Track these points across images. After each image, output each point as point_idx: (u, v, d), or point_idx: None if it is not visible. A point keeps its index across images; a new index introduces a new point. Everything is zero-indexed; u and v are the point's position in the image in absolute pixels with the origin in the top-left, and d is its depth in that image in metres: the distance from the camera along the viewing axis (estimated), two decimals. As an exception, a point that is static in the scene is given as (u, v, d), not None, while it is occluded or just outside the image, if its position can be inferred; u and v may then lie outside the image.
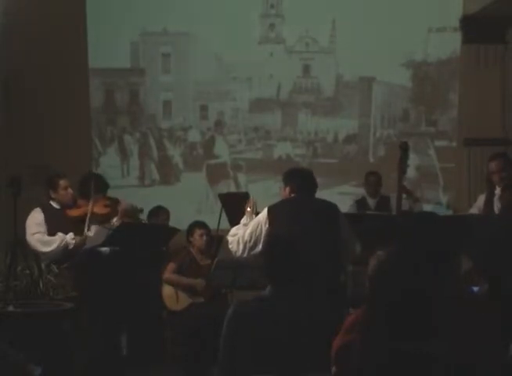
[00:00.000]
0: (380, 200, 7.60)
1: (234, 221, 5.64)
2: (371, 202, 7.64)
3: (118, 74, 9.11)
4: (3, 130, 8.23)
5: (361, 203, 7.65)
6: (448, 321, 3.10)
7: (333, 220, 5.21)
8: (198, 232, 6.81)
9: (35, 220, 6.18)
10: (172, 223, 7.11)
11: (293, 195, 5.28)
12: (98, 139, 9.11)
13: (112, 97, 9.14)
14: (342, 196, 8.38)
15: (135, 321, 6.34)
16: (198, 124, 9.16)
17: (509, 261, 3.84)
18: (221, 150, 9.11)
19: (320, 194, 5.53)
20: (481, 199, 6.54)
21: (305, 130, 9.11)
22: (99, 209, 6.23)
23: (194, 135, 9.13)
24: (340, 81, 9.05)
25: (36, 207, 6.28)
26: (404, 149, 5.96)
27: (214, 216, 6.96)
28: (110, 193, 6.73)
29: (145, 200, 7.53)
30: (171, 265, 6.73)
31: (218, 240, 6.68)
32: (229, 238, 5.36)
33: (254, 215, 5.40)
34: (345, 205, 7.14)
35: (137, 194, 8.45)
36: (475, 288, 3.98)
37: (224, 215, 6.48)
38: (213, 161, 9.10)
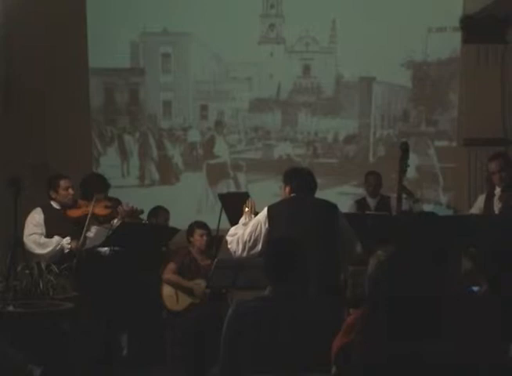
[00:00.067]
0: (380, 200, 7.61)
1: (234, 221, 5.64)
2: (371, 202, 7.64)
3: (118, 73, 9.11)
4: (3, 130, 8.22)
5: (361, 203, 7.65)
6: (449, 321, 3.10)
7: (333, 220, 5.21)
8: (198, 232, 6.80)
9: (33, 221, 6.18)
10: (172, 223, 7.11)
11: (293, 195, 5.28)
12: (98, 139, 9.11)
13: (112, 97, 9.14)
14: (342, 196, 8.39)
15: (135, 321, 6.34)
16: (198, 124, 9.16)
17: (509, 261, 3.84)
18: (221, 150, 9.11)
19: (320, 194, 5.53)
20: (481, 199, 6.54)
21: (305, 130, 9.11)
22: (100, 210, 6.22)
23: (194, 135, 9.13)
24: (340, 81, 9.04)
25: (36, 207, 6.28)
26: (404, 149, 5.96)
27: (214, 216, 6.97)
28: (110, 193, 6.74)
29: (145, 200, 7.54)
30: (171, 265, 6.73)
31: (218, 240, 6.68)
32: (228, 238, 5.35)
33: (252, 215, 5.40)
34: (345, 205, 7.14)
35: (137, 194, 8.46)
36: (475, 288, 3.98)
37: (224, 215, 6.48)
38: (213, 161, 9.10)
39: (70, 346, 5.17)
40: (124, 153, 9.13)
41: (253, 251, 5.20)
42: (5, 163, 7.95)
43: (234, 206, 5.73)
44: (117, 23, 8.83)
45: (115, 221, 6.22)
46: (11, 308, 5.12)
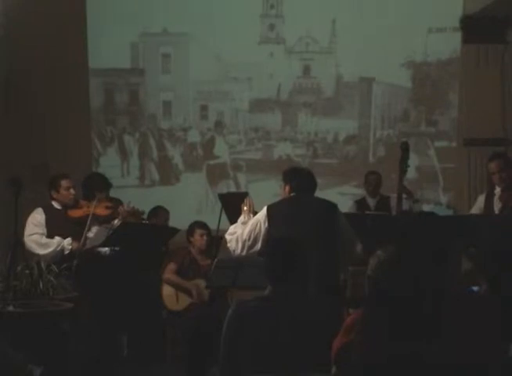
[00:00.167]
0: (380, 200, 7.61)
1: (234, 221, 5.64)
2: (371, 202, 7.64)
3: (118, 74, 9.11)
4: (3, 130, 8.23)
5: (361, 203, 7.65)
6: (449, 321, 3.11)
7: (333, 219, 5.21)
8: (198, 232, 6.81)
9: (34, 221, 6.18)
10: (172, 223, 7.11)
11: (292, 194, 5.28)
12: (98, 139, 9.11)
13: (112, 97, 9.15)
14: (342, 196, 8.39)
15: (135, 321, 6.34)
16: (198, 124, 9.16)
17: (509, 261, 3.84)
18: (221, 150, 9.11)
19: (320, 194, 5.53)
20: (481, 199, 6.53)
21: (305, 130, 9.11)
22: (101, 211, 6.22)
23: (194, 136, 9.13)
24: (340, 82, 9.04)
25: (37, 207, 6.28)
26: (404, 149, 5.96)
27: (214, 216, 6.97)
28: (110, 193, 6.74)
29: (145, 200, 7.54)
30: (171, 265, 6.73)
31: (218, 240, 6.68)
32: (228, 236, 5.36)
33: (251, 215, 5.40)
34: (345, 205, 7.14)
35: (137, 194, 8.46)
36: (475, 288, 3.98)
37: (224, 215, 6.48)
38: (213, 161, 9.10)
39: (70, 346, 5.18)
40: (124, 154, 9.13)
41: (252, 250, 5.20)
42: (5, 163, 7.95)
43: (234, 206, 5.73)
44: (117, 23, 8.83)
45: (115, 221, 6.22)
46: (11, 308, 5.12)
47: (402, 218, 5.86)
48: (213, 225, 6.83)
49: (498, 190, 6.37)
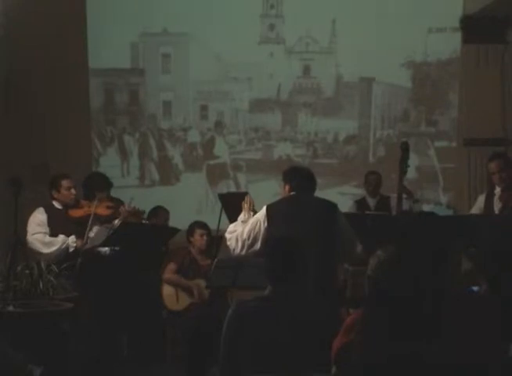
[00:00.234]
0: (380, 200, 7.61)
1: (234, 221, 5.63)
2: (371, 202, 7.64)
3: (118, 74, 9.11)
4: (3, 130, 8.23)
5: (361, 203, 7.65)
6: (449, 321, 3.11)
7: (333, 219, 5.21)
8: (198, 232, 6.81)
9: (37, 220, 6.18)
10: (172, 223, 7.11)
11: (292, 193, 5.28)
12: (98, 139, 9.11)
13: (112, 97, 9.15)
14: (342, 196, 8.39)
15: (135, 321, 6.34)
16: (198, 124, 9.16)
17: (509, 261, 3.84)
18: (221, 150, 9.11)
19: (320, 194, 5.53)
20: (481, 199, 6.53)
21: (305, 130, 9.11)
22: (102, 210, 6.23)
23: (194, 136, 9.13)
24: (340, 82, 9.04)
25: (37, 207, 6.28)
26: (404, 149, 5.96)
27: (214, 216, 6.97)
28: (111, 193, 6.73)
29: (145, 200, 7.53)
30: (171, 265, 6.74)
31: (218, 240, 6.68)
32: (227, 235, 5.36)
33: (251, 213, 5.40)
34: (345, 205, 7.14)
35: (137, 194, 8.44)
36: (475, 288, 3.98)
37: (224, 215, 6.48)
38: (213, 161, 9.10)
39: (70, 346, 5.18)
40: (124, 154, 9.13)
41: (252, 250, 5.20)
42: (5, 163, 7.95)
43: (234, 206, 5.73)
44: (117, 24, 8.84)
45: (116, 221, 6.22)
46: (11, 308, 5.12)
47: (402, 218, 5.86)
48: (213, 225, 6.83)
49: (498, 190, 6.37)
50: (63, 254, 6.04)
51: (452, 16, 8.37)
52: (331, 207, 5.28)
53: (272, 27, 9.06)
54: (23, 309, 5.09)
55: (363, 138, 9.06)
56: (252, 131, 9.11)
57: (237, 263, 5.27)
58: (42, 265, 5.36)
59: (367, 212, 7.09)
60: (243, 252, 5.23)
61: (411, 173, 7.30)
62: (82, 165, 8.13)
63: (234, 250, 5.27)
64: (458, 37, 8.51)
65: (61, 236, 6.11)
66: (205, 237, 6.80)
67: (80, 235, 6.10)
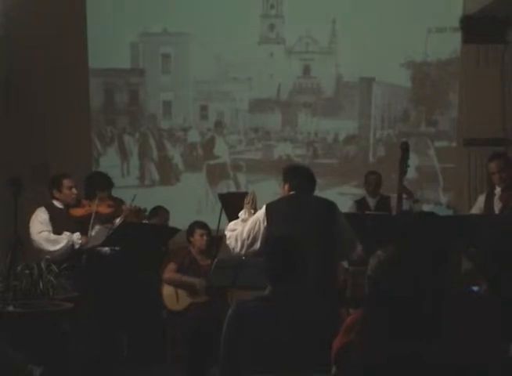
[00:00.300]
0: (380, 200, 7.61)
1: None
2: (371, 202, 7.64)
3: (118, 74, 9.11)
4: (3, 130, 8.23)
5: (361, 203, 7.65)
6: (449, 321, 3.10)
7: (332, 218, 5.20)
8: (198, 232, 6.81)
9: (40, 219, 6.18)
10: (172, 223, 7.11)
11: (292, 192, 5.27)
12: (98, 139, 9.11)
13: (112, 97, 9.15)
14: (342, 196, 8.39)
15: (135, 321, 6.34)
16: (198, 124, 9.16)
17: (509, 261, 3.84)
18: (221, 150, 9.11)
19: (320, 194, 5.54)
20: (481, 199, 6.53)
21: (305, 130, 9.11)
22: (103, 209, 6.25)
23: (194, 136, 9.14)
24: (340, 82, 9.04)
25: (38, 206, 6.28)
26: (404, 149, 5.96)
27: (214, 216, 6.96)
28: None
29: (145, 200, 7.52)
30: (171, 265, 6.73)
31: (218, 240, 6.68)
32: (227, 233, 5.35)
33: (252, 210, 5.39)
34: (345, 205, 7.14)
35: (137, 194, 8.44)
36: (475, 288, 3.98)
37: (224, 215, 6.48)
38: (213, 161, 9.10)
39: (70, 346, 5.18)
40: (124, 154, 9.13)
41: (251, 249, 5.20)
42: (5, 163, 7.95)
43: (234, 206, 5.73)
44: (117, 24, 8.84)
45: (117, 220, 6.23)
46: (11, 308, 5.12)
47: (402, 218, 5.86)
48: (213, 225, 6.82)
49: (498, 190, 6.37)
50: (68, 252, 6.04)
51: (452, 16, 8.37)
52: (330, 206, 5.28)
53: (272, 27, 9.06)
54: (23, 309, 5.09)
55: (363, 138, 9.06)
56: (252, 131, 9.12)
57: (237, 263, 5.27)
58: (42, 265, 5.36)
59: (367, 212, 7.09)
60: (243, 251, 5.23)
61: (411, 173, 7.31)
62: (82, 165, 8.13)
63: (234, 249, 5.27)
64: (458, 37, 8.50)
65: (66, 233, 6.12)
66: (205, 237, 6.80)
67: (83, 233, 6.11)
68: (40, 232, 6.11)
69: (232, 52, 8.86)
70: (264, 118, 9.12)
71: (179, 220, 7.07)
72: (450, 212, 8.02)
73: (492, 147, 7.88)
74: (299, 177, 5.30)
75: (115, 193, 6.85)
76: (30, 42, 8.34)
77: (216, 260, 5.53)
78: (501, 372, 3.19)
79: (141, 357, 6.34)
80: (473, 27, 8.15)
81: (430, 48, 8.82)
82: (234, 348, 3.67)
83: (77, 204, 6.27)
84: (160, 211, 7.30)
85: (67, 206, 6.24)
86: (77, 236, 6.11)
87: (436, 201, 8.64)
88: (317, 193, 5.43)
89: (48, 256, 5.96)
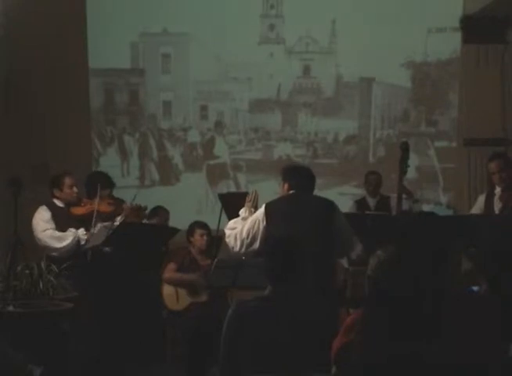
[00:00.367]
0: (380, 200, 7.60)
1: (234, 221, 5.63)
2: (371, 202, 7.64)
3: (118, 74, 9.11)
4: (3, 130, 8.23)
5: (361, 203, 7.65)
6: (449, 321, 3.11)
7: (331, 217, 5.20)
8: (199, 232, 6.81)
9: (43, 217, 6.17)
10: (172, 223, 7.11)
11: (291, 192, 5.27)
12: (98, 139, 9.11)
13: (112, 97, 9.15)
14: (342, 196, 8.39)
15: (135, 321, 6.34)
16: (198, 124, 9.16)
17: (509, 261, 3.84)
18: (221, 150, 9.11)
19: (320, 195, 5.53)
20: (481, 199, 6.53)
21: (305, 130, 9.12)
22: (104, 207, 6.26)
23: (194, 136, 9.14)
24: (340, 82, 9.05)
25: (38, 206, 6.27)
26: (404, 149, 5.96)
27: (214, 216, 6.97)
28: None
29: (145, 200, 7.51)
30: (171, 265, 6.73)
31: (218, 240, 6.68)
32: (227, 231, 5.35)
33: (252, 209, 5.39)
34: (345, 205, 7.14)
35: (137, 194, 8.45)
36: (475, 288, 3.98)
37: (224, 215, 6.48)
38: (213, 161, 9.10)
39: (70, 346, 5.17)
40: (124, 154, 9.13)
41: (250, 248, 5.20)
42: (5, 163, 7.95)
43: (234, 206, 5.73)
44: (117, 23, 8.84)
45: (118, 218, 6.23)
46: (11, 308, 5.11)
47: (402, 218, 5.86)
48: (213, 225, 6.82)
49: (498, 190, 6.37)
50: (74, 249, 6.05)
51: (452, 16, 8.37)
52: (330, 205, 5.27)
53: (272, 27, 9.06)
54: (23, 309, 5.09)
55: (363, 138, 9.06)
56: (252, 131, 9.12)
57: (237, 263, 5.27)
58: (42, 265, 5.36)
59: (367, 212, 7.08)
60: (242, 251, 5.23)
61: (411, 173, 7.31)
62: (82, 165, 8.13)
63: (233, 248, 5.28)
64: (458, 37, 8.51)
65: (71, 230, 6.12)
66: (205, 237, 6.80)
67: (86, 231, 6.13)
68: (44, 230, 6.11)
69: (232, 52, 8.86)
70: (264, 118, 9.12)
71: (179, 220, 7.07)
72: (450, 212, 8.03)
73: (492, 147, 7.88)
74: (298, 176, 5.30)
75: (115, 193, 6.84)
76: (30, 42, 8.34)
77: (216, 260, 5.53)
78: (501, 372, 3.19)
79: (141, 357, 6.34)
80: (473, 27, 8.15)
81: (430, 48, 8.82)
82: (234, 348, 3.68)
83: (78, 202, 6.27)
84: (160, 211, 7.30)
85: (68, 205, 6.25)
86: (82, 231, 6.12)
87: (436, 201, 8.64)
88: (317, 193, 5.43)
89: (54, 253, 6.00)
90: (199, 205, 8.87)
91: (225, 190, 8.49)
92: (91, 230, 6.09)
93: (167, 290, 6.68)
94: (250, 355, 3.64)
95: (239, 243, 5.22)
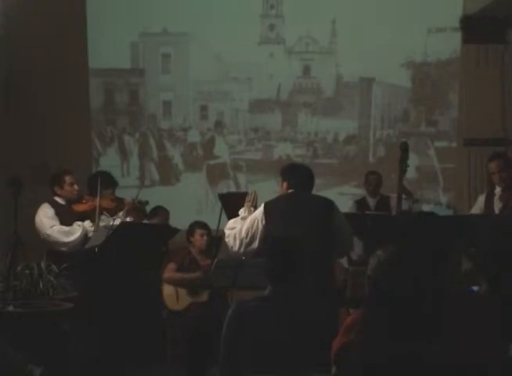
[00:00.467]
0: (380, 200, 7.60)
1: (234, 221, 5.63)
2: (371, 202, 7.63)
3: (118, 74, 9.11)
4: (3, 130, 8.23)
5: (361, 203, 7.65)
6: (449, 321, 3.11)
7: (330, 217, 5.20)
8: (199, 232, 6.81)
9: (47, 214, 6.19)
10: (172, 223, 7.11)
11: (290, 191, 5.27)
12: (98, 139, 9.11)
13: (112, 97, 9.15)
14: (342, 196, 8.38)
15: (135, 321, 6.34)
16: (198, 124, 9.16)
17: (509, 261, 3.84)
18: (221, 150, 9.11)
19: (320, 195, 5.53)
20: (481, 199, 6.54)
21: (305, 130, 9.11)
22: (106, 203, 6.29)
23: (194, 136, 9.14)
24: (340, 82, 9.04)
25: (38, 206, 6.28)
26: (404, 149, 5.97)
27: (214, 216, 6.96)
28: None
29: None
30: (171, 265, 6.73)
31: (218, 240, 6.68)
32: (226, 231, 5.35)
33: (252, 209, 5.39)
34: (345, 205, 7.14)
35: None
36: (475, 288, 3.98)
37: (224, 215, 6.48)
38: (213, 161, 9.10)
39: (70, 346, 5.17)
40: (124, 154, 9.13)
41: (250, 248, 5.20)
42: (5, 163, 7.95)
43: (234, 206, 5.73)
44: (117, 24, 8.84)
45: (120, 213, 6.25)
46: (11, 308, 5.11)
47: (402, 218, 5.86)
48: (213, 226, 6.82)
49: (498, 190, 6.37)
50: (84, 242, 6.07)
51: (452, 16, 8.37)
52: (329, 204, 5.27)
53: (272, 27, 9.06)
54: (23, 309, 5.09)
55: (363, 138, 9.06)
56: (252, 131, 9.12)
57: (237, 263, 5.27)
58: (42, 265, 5.36)
59: (367, 212, 7.09)
60: (241, 250, 5.23)
61: (411, 173, 7.32)
62: (82, 165, 8.13)
63: (232, 247, 5.28)
64: (458, 37, 8.51)
65: (78, 223, 6.14)
66: (205, 237, 6.80)
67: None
68: (52, 226, 6.13)
69: (232, 52, 8.86)
70: (264, 118, 9.12)
71: (179, 220, 7.07)
72: (450, 212, 8.03)
73: (492, 147, 7.87)
74: (297, 175, 5.30)
75: (115, 193, 6.84)
76: (30, 42, 8.34)
77: (216, 260, 5.53)
78: (501, 372, 3.19)
79: (141, 357, 6.34)
80: (473, 27, 8.15)
81: (430, 48, 8.82)
82: (234, 348, 3.68)
83: (80, 199, 6.30)
84: (160, 211, 7.30)
85: (69, 202, 6.27)
86: (88, 223, 6.16)
87: (436, 201, 8.64)
88: (317, 193, 5.43)
89: (63, 248, 6.02)
90: (199, 205, 8.87)
91: (225, 190, 8.49)
92: (96, 225, 6.11)
93: (167, 290, 6.68)
94: (250, 355, 3.64)
95: (238, 242, 5.22)
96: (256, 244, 5.17)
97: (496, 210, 6.29)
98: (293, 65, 9.09)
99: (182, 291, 6.65)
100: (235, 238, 5.24)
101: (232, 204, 5.95)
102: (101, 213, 6.25)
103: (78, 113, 8.68)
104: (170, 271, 6.71)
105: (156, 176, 9.13)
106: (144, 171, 9.11)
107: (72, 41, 8.58)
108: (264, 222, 5.16)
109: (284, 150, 9.08)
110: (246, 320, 3.68)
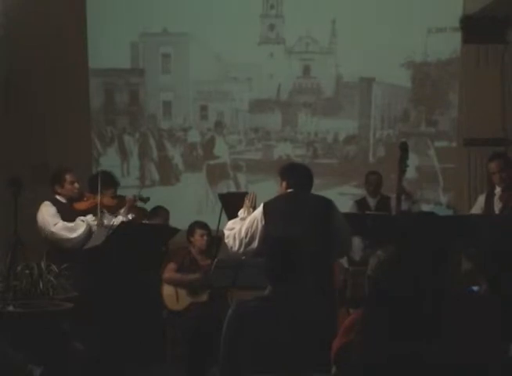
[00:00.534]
0: (381, 200, 7.60)
1: (234, 221, 5.63)
2: (371, 202, 7.64)
3: (118, 74, 9.12)
4: (3, 130, 8.23)
5: (361, 203, 7.65)
6: (449, 321, 3.10)
7: (330, 216, 5.19)
8: (199, 232, 6.80)
9: (49, 212, 6.19)
10: (172, 223, 7.11)
11: (289, 190, 5.27)
12: (98, 139, 9.11)
13: (112, 97, 9.15)
14: (342, 196, 8.39)
15: (135, 321, 6.34)
16: (198, 124, 9.16)
17: (509, 261, 3.84)
18: (221, 150, 9.11)
19: (320, 194, 5.53)
20: (481, 199, 6.54)
21: (305, 130, 9.12)
22: (107, 200, 6.31)
23: (194, 136, 9.14)
24: (340, 82, 9.05)
25: (39, 205, 6.28)
26: (403, 149, 5.96)
27: (214, 216, 6.97)
28: (110, 193, 6.74)
29: (145, 200, 7.54)
30: (171, 265, 6.73)
31: (218, 240, 6.68)
32: (226, 232, 5.35)
33: (251, 209, 5.39)
34: (345, 205, 7.14)
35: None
36: (475, 288, 3.98)
37: (224, 215, 6.48)
38: (213, 161, 9.10)
39: (70, 346, 5.17)
40: (124, 154, 9.13)
41: (249, 248, 5.20)
42: (5, 163, 7.95)
43: (234, 206, 5.73)
44: (117, 24, 8.84)
45: (122, 210, 6.25)
46: (11, 308, 5.11)
47: (402, 218, 5.85)
48: (213, 226, 6.83)
49: (498, 190, 6.37)
50: (88, 237, 6.08)
51: (452, 16, 8.37)
52: (328, 204, 5.26)
53: (272, 27, 9.06)
54: (23, 309, 5.09)
55: (363, 138, 9.06)
56: (252, 131, 9.12)
57: (237, 263, 5.27)
58: (42, 265, 5.35)
59: (367, 212, 7.09)
60: (241, 250, 5.23)
61: (411, 173, 7.32)
62: (82, 165, 8.13)
63: (232, 248, 5.28)
64: (458, 37, 8.50)
65: (81, 218, 6.16)
66: (205, 237, 6.80)
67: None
68: (55, 223, 6.14)
69: (232, 52, 8.86)
70: (264, 118, 9.12)
71: (179, 220, 7.07)
72: (450, 212, 8.02)
73: (492, 147, 7.87)
74: (296, 175, 5.30)
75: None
76: (30, 42, 8.34)
77: (216, 260, 5.53)
78: (501, 372, 3.19)
79: (141, 357, 6.34)
80: (473, 27, 8.14)
81: (430, 48, 8.82)
82: (234, 348, 3.68)
83: (81, 197, 6.31)
84: (160, 211, 7.30)
85: (70, 200, 6.27)
86: (91, 217, 6.18)
87: (436, 201, 8.64)
88: (317, 193, 5.43)
89: (68, 245, 6.04)
90: (199, 205, 8.87)
91: (225, 190, 8.49)
92: (99, 220, 6.12)
93: (167, 290, 6.68)
94: (250, 355, 3.64)
95: (237, 242, 5.22)
96: (255, 244, 5.17)
97: (496, 210, 6.29)
98: (293, 65, 9.09)
99: (182, 291, 6.65)
100: (234, 238, 5.24)
101: (232, 204, 5.95)
102: (102, 211, 6.26)
103: (78, 113, 8.68)
104: (170, 271, 6.71)
105: (156, 176, 9.13)
106: (144, 172, 9.12)
107: (72, 41, 8.58)
108: (263, 221, 5.16)
109: (284, 150, 9.08)
110: (246, 320, 3.68)
